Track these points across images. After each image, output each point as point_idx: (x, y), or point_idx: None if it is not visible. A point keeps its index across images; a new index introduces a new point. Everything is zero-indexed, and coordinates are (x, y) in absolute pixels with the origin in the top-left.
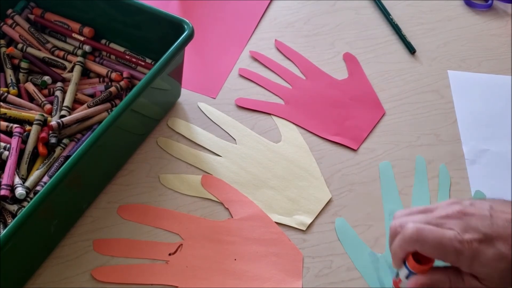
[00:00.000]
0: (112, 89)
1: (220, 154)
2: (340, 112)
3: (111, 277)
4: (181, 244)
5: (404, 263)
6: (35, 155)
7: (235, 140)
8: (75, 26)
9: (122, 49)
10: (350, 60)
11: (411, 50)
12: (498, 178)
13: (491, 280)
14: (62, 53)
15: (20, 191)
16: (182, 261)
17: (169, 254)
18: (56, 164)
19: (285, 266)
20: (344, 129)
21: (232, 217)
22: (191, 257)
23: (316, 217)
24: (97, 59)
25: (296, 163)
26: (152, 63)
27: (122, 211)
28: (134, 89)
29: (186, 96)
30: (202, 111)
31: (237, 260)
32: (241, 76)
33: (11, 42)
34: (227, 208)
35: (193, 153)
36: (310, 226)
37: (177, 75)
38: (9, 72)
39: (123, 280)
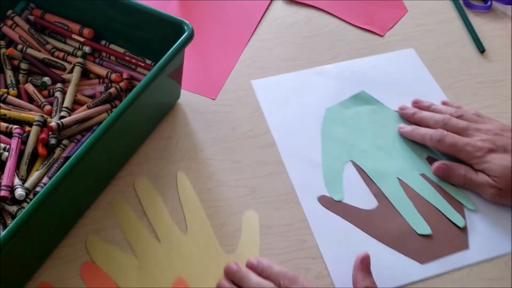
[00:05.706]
0: (112, 90)
1: (160, 239)
2: (367, 6)
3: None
4: None
5: None
6: (34, 156)
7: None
8: (75, 27)
9: (122, 50)
10: None
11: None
12: None
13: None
14: (62, 54)
15: (19, 192)
16: None
17: None
18: (56, 165)
19: None
20: (373, 20)
21: None
22: None
23: None
24: (97, 60)
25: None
26: (152, 64)
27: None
28: (134, 90)
29: (186, 97)
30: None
31: None
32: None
33: (11, 43)
34: None
35: (135, 227)
36: (310, 226)
37: (177, 76)
38: (9, 73)
39: None
